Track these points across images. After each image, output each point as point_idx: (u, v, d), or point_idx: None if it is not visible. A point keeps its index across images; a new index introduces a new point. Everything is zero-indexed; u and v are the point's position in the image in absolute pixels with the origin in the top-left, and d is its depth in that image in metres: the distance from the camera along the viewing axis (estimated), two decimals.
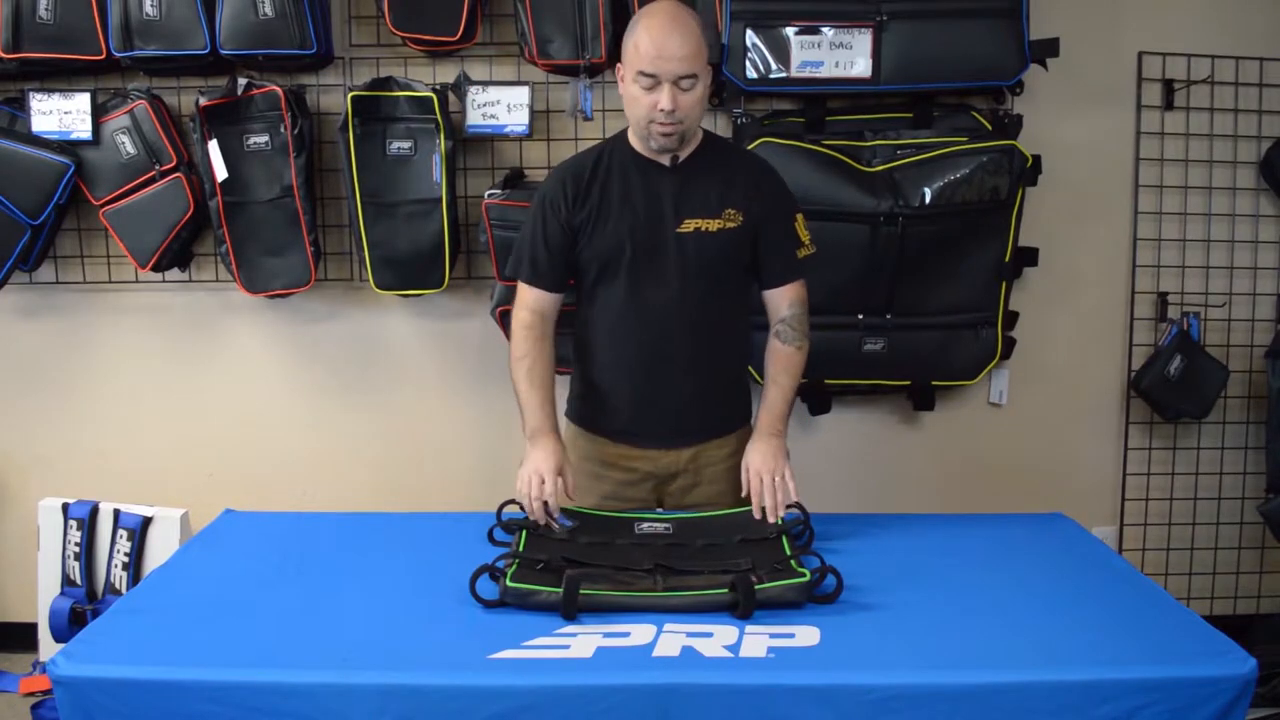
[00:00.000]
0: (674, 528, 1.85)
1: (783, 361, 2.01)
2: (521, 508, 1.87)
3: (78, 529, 2.58)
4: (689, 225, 1.93)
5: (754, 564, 1.66)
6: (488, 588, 1.59)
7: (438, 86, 2.60)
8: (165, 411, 2.90)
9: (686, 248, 1.93)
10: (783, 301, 2.02)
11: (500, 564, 1.63)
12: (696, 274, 1.94)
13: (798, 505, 1.89)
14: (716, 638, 1.48)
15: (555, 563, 1.64)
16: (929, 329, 2.72)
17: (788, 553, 1.70)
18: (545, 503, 1.83)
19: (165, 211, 2.64)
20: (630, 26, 1.88)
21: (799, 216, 2.03)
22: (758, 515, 1.86)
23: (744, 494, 1.94)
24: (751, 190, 1.96)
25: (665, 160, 1.93)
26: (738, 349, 2.08)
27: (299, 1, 2.47)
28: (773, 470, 1.89)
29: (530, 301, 1.99)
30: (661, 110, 1.83)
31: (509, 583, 1.57)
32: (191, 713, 1.37)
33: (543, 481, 1.84)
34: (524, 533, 1.77)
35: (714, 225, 1.93)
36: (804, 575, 1.60)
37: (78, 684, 1.38)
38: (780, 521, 1.84)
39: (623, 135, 1.99)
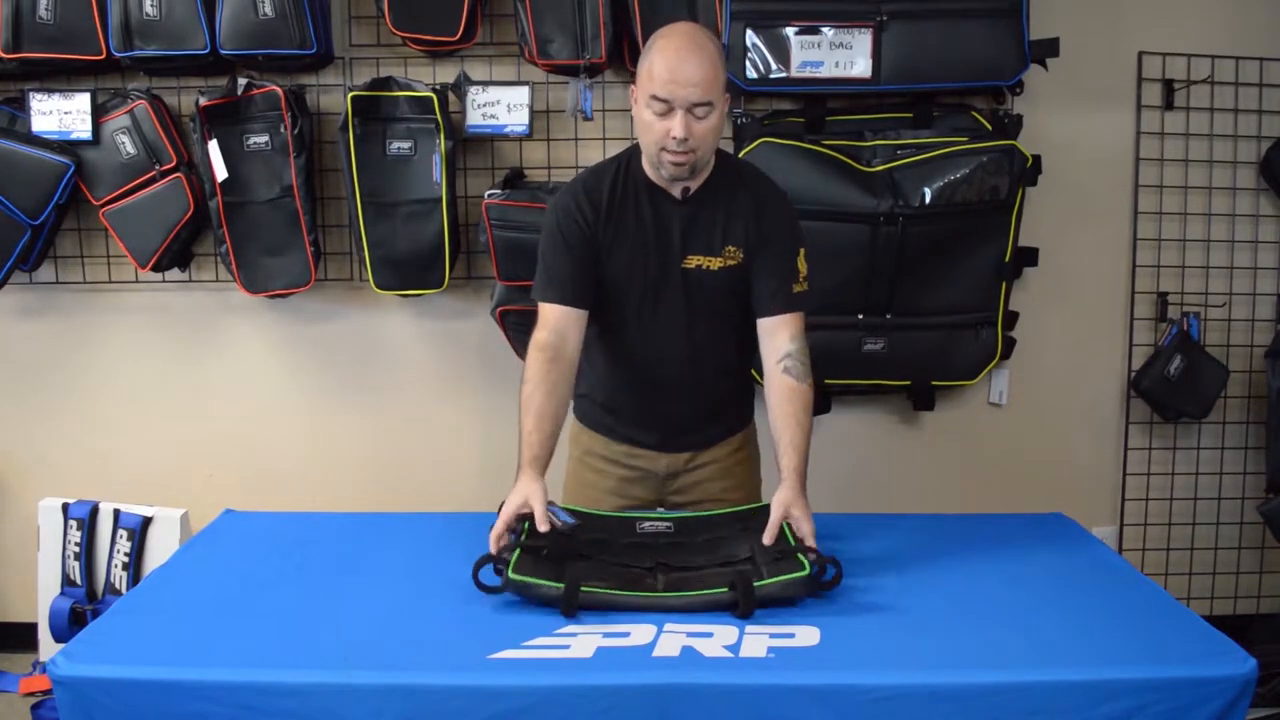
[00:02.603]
0: (675, 527, 1.84)
1: (801, 401, 1.83)
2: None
3: (78, 529, 2.58)
4: (692, 261, 1.88)
5: (754, 554, 1.65)
6: (490, 580, 1.60)
7: (438, 86, 2.60)
8: (165, 411, 2.90)
9: (690, 283, 1.89)
10: (784, 334, 1.86)
11: (504, 554, 1.62)
12: (701, 308, 1.90)
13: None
14: (716, 638, 1.48)
15: (557, 553, 1.64)
16: (929, 329, 2.72)
17: (790, 541, 1.69)
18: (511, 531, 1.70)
19: (165, 211, 2.64)
20: (646, 48, 1.80)
21: (802, 252, 1.92)
22: (769, 540, 1.71)
23: (768, 540, 1.71)
24: (753, 221, 1.89)
25: (676, 191, 1.86)
26: (742, 366, 2.04)
27: (299, 1, 2.47)
28: (809, 529, 1.69)
29: (550, 320, 1.84)
30: (674, 138, 1.74)
31: (511, 574, 1.57)
32: (191, 713, 1.37)
33: (500, 530, 1.67)
34: (527, 524, 1.73)
35: (715, 263, 1.88)
36: (804, 569, 1.59)
37: (78, 684, 1.38)
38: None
39: (636, 155, 1.90)
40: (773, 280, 1.88)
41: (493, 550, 1.65)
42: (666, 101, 1.73)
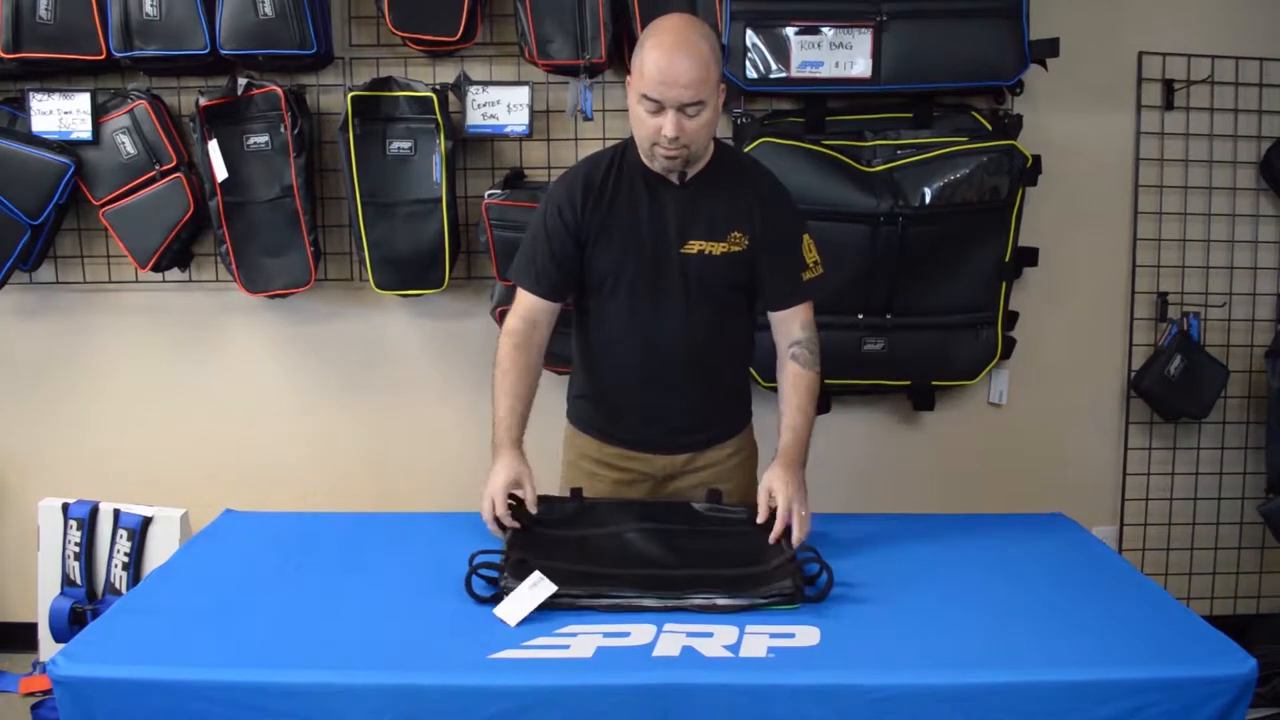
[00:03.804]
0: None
1: (806, 387, 1.91)
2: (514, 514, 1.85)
3: (78, 529, 2.58)
4: (693, 246, 1.88)
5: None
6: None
7: (438, 86, 2.60)
8: (165, 411, 2.90)
9: (689, 269, 1.88)
10: (794, 323, 1.94)
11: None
12: (699, 295, 1.90)
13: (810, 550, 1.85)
14: (716, 638, 1.48)
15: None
16: (929, 329, 2.72)
17: (786, 550, 1.69)
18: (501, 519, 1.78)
19: (165, 211, 2.64)
20: (640, 42, 1.80)
21: (806, 238, 1.95)
22: (775, 539, 1.75)
23: (760, 520, 1.80)
24: (758, 211, 1.90)
25: (673, 177, 1.87)
26: (741, 363, 2.05)
27: (299, 1, 2.47)
28: (790, 499, 1.77)
29: (524, 309, 1.92)
30: (665, 136, 1.76)
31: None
32: (191, 713, 1.37)
33: (493, 504, 1.77)
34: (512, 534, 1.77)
35: (718, 248, 1.88)
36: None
37: (78, 684, 1.38)
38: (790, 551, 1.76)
39: (633, 143, 1.91)
40: (784, 273, 1.93)
41: (497, 530, 1.75)
42: (657, 101, 1.75)
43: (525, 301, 1.93)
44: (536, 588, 1.55)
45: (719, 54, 1.81)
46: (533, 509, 1.79)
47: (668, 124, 1.75)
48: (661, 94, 1.74)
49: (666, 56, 1.73)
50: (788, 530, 1.78)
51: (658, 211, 1.88)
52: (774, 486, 1.80)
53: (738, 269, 1.90)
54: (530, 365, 1.91)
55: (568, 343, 2.07)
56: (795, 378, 1.92)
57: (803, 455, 1.88)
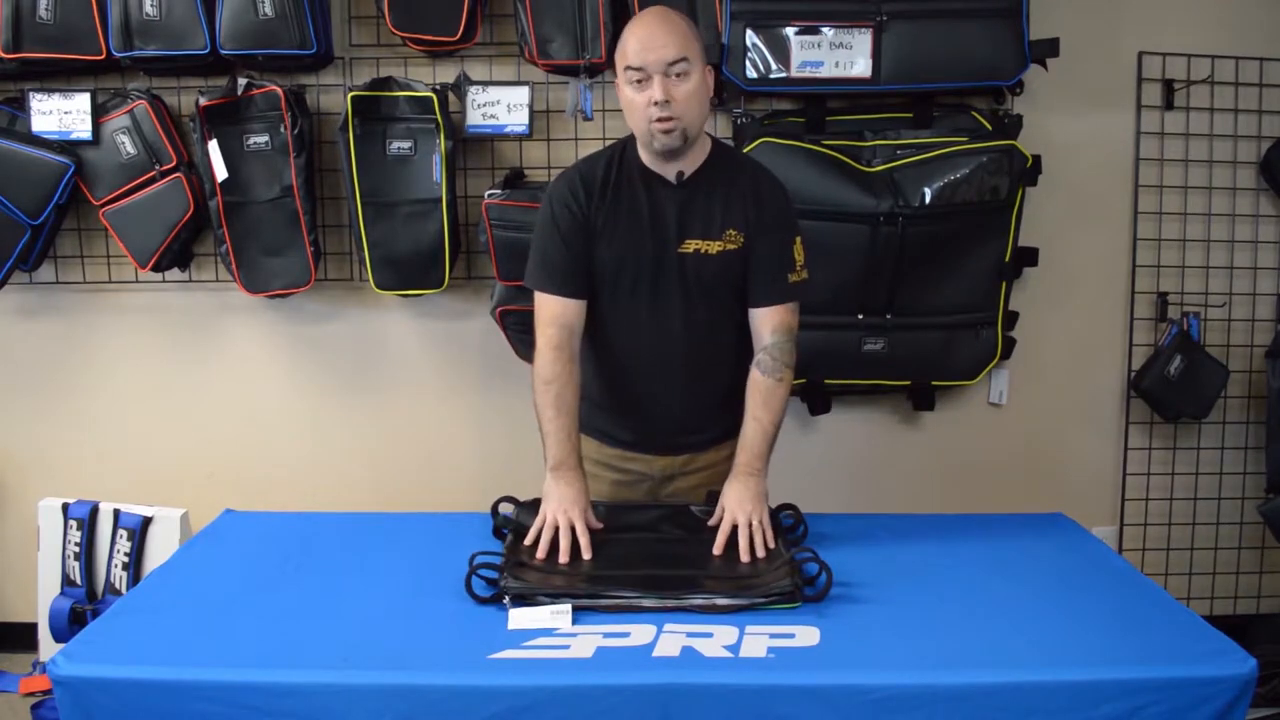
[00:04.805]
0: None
1: (762, 395, 1.89)
2: (515, 518, 1.84)
3: (78, 529, 2.57)
4: (689, 246, 1.87)
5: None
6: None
7: (438, 86, 2.60)
8: (165, 411, 2.90)
9: (687, 269, 1.88)
10: (766, 327, 1.91)
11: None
12: (698, 294, 1.90)
13: (791, 506, 1.90)
14: (716, 638, 1.48)
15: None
16: (929, 329, 2.72)
17: (784, 554, 1.70)
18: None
19: (165, 211, 2.64)
20: (621, 36, 1.84)
21: (798, 240, 1.94)
22: (718, 551, 1.76)
23: (711, 521, 1.84)
24: (753, 208, 1.89)
25: (671, 176, 1.87)
26: (740, 362, 2.02)
27: (299, 1, 2.47)
28: (749, 513, 1.78)
29: (556, 315, 1.88)
30: (655, 104, 1.76)
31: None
32: (191, 713, 1.37)
33: (571, 526, 1.75)
34: (512, 536, 1.78)
35: (714, 247, 1.88)
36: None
37: (78, 684, 1.38)
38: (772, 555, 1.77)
39: (631, 143, 1.91)
40: (766, 271, 1.91)
41: (541, 556, 1.71)
42: (641, 69, 1.77)
43: (554, 308, 1.88)
44: (557, 615, 1.54)
45: (699, 33, 1.85)
46: (584, 539, 1.74)
47: (656, 89, 1.76)
48: (644, 59, 1.76)
49: (645, 28, 1.79)
50: (784, 531, 1.80)
51: (656, 211, 1.88)
52: (726, 505, 1.82)
53: (735, 268, 1.90)
54: (576, 374, 1.89)
55: None
56: (752, 385, 1.91)
57: (756, 464, 1.87)
